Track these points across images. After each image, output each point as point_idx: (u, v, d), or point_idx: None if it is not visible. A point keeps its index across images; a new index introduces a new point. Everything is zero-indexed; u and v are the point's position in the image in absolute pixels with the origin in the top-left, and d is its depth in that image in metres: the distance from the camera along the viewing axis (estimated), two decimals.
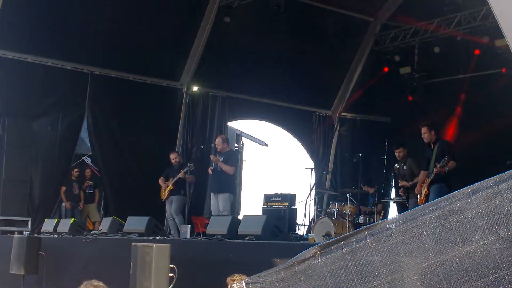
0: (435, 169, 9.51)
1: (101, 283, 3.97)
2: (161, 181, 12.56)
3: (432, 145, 9.87)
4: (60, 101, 13.67)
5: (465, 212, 3.33)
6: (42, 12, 12.89)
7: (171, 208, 12.40)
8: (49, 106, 13.57)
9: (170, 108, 15.01)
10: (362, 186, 13.36)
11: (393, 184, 15.32)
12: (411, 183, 10.88)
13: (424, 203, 9.64)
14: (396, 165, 11.64)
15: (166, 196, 12.42)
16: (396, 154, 11.47)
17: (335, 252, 3.60)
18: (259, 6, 14.43)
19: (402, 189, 11.48)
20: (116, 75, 14.29)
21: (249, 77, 15.15)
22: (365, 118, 17.12)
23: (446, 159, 9.43)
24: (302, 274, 3.64)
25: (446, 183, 9.75)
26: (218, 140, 11.84)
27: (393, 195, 15.29)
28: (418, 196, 10.02)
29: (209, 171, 11.80)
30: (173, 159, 12.70)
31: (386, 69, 16.00)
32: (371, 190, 13.56)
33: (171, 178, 12.35)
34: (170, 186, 12.30)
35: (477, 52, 14.16)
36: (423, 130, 9.88)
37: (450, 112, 14.98)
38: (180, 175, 12.12)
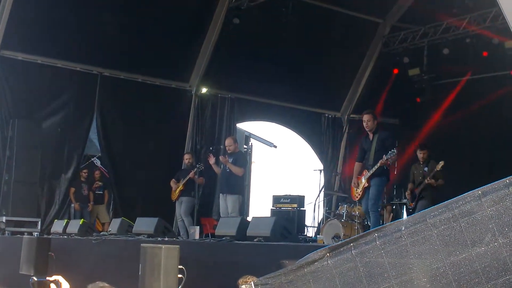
0: (380, 161, 8.97)
1: (106, 284, 3.94)
2: (172, 183, 12.57)
3: (372, 135, 9.44)
4: (70, 103, 13.73)
5: (475, 214, 3.32)
6: (51, 14, 12.93)
7: (180, 209, 12.41)
8: (59, 107, 13.63)
9: (179, 109, 15.02)
10: None
11: None
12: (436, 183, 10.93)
13: (361, 197, 9.34)
14: (413, 166, 11.60)
15: (176, 197, 12.45)
16: (420, 156, 11.36)
17: (344, 254, 3.60)
18: (268, 7, 14.44)
19: (408, 192, 11.51)
20: (125, 77, 14.34)
21: (258, 78, 15.15)
22: None
23: (395, 150, 8.98)
24: (311, 276, 3.63)
25: (387, 177, 9.43)
26: (229, 141, 11.73)
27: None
28: (355, 189, 9.47)
29: (209, 160, 11.78)
30: (186, 159, 12.73)
31: (396, 71, 15.97)
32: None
33: (182, 179, 12.37)
34: (181, 187, 12.32)
35: (485, 54, 14.11)
36: (367, 117, 9.42)
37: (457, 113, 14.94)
38: (190, 175, 12.12)
